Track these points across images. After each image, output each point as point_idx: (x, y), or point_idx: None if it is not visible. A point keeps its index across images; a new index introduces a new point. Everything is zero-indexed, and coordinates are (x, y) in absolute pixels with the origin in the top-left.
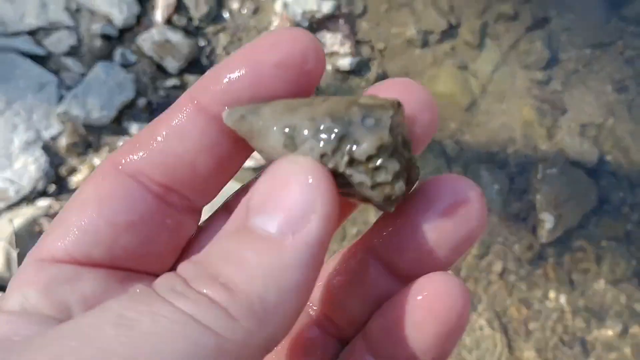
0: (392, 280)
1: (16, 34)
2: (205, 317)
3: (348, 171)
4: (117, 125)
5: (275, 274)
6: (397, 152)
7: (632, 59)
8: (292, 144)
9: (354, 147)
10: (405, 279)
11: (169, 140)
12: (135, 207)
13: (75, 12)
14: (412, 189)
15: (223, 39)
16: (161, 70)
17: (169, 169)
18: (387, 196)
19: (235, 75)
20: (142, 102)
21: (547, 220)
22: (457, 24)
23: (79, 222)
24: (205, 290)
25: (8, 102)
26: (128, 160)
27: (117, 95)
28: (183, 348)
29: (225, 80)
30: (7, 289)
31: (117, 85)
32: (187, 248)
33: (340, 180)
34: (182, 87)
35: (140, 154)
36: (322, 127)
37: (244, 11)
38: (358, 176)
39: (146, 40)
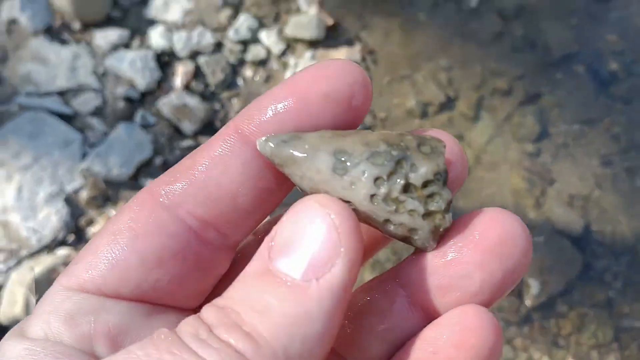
0: (420, 319)
1: (47, 94)
2: None
3: (401, 197)
4: (134, 181)
5: (299, 323)
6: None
7: (618, 135)
8: (342, 167)
9: (411, 172)
10: (434, 316)
11: (210, 170)
12: (170, 244)
13: (101, 76)
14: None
15: (236, 104)
16: (178, 132)
17: (210, 201)
18: (436, 227)
19: (281, 105)
20: (158, 160)
21: (533, 286)
22: (455, 97)
23: (109, 255)
24: (229, 339)
25: (36, 158)
26: (167, 190)
27: (136, 154)
28: None
29: (271, 110)
30: (32, 314)
31: (137, 145)
32: (221, 285)
33: (379, 218)
34: (196, 147)
35: (180, 184)
36: (378, 150)
37: (257, 78)
38: (411, 203)
39: (165, 104)
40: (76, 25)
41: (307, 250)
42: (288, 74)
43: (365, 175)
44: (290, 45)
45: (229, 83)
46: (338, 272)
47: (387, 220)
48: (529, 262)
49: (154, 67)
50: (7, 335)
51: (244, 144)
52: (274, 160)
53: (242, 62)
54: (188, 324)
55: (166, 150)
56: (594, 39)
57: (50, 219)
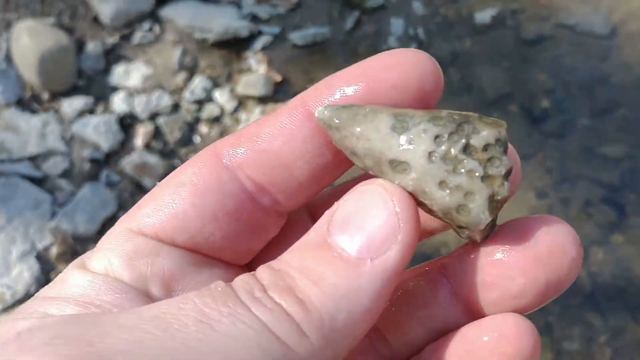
0: (461, 312)
1: (19, 160)
2: (279, 328)
3: (460, 156)
4: (100, 236)
5: (349, 297)
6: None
7: (552, 168)
8: (402, 126)
9: (472, 134)
10: (475, 314)
11: (273, 139)
12: (227, 202)
13: (69, 141)
14: (496, 228)
15: None
16: (140, 188)
17: (268, 168)
18: (494, 195)
19: (350, 89)
20: (122, 215)
21: None
22: None
23: (170, 205)
24: (281, 302)
25: (9, 219)
26: (230, 152)
27: (101, 211)
28: (255, 355)
29: (339, 92)
30: (95, 249)
31: (101, 203)
32: (268, 245)
33: (435, 179)
34: None
35: (243, 148)
36: (440, 115)
37: (212, 134)
38: (470, 163)
39: (128, 163)
40: (45, 95)
41: (367, 230)
42: (240, 127)
43: (426, 132)
44: (242, 102)
45: (187, 140)
46: (393, 256)
47: (442, 183)
48: (576, 274)
49: (116, 129)
50: (70, 265)
51: (308, 120)
52: (332, 123)
53: (198, 120)
54: (244, 281)
55: (129, 206)
56: (526, 80)
57: (23, 275)
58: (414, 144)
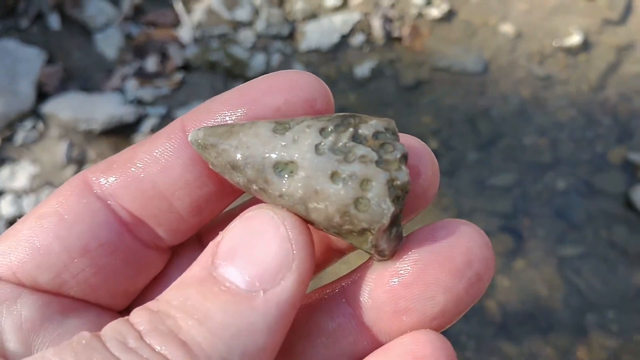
0: (369, 337)
1: None
2: None
3: (350, 143)
4: None
5: (240, 335)
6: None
7: (448, 206)
8: (283, 127)
9: (360, 123)
10: (387, 338)
11: (148, 167)
12: (98, 233)
13: None
14: (400, 243)
15: None
16: None
17: (144, 199)
18: (393, 180)
19: (231, 113)
20: None
21: None
22: None
23: (30, 239)
24: (162, 348)
25: None
26: (101, 179)
27: None
28: None
29: (219, 116)
30: None
31: None
32: (151, 284)
33: (326, 171)
34: None
35: (116, 176)
36: (322, 117)
37: None
38: (362, 149)
39: None
40: None
41: (257, 260)
42: None
43: (310, 127)
44: None
45: None
46: (288, 286)
47: (335, 175)
48: (493, 272)
49: None
50: None
51: (187, 146)
52: (207, 142)
53: None
54: (114, 329)
55: None
56: (412, 123)
57: None
58: (297, 140)
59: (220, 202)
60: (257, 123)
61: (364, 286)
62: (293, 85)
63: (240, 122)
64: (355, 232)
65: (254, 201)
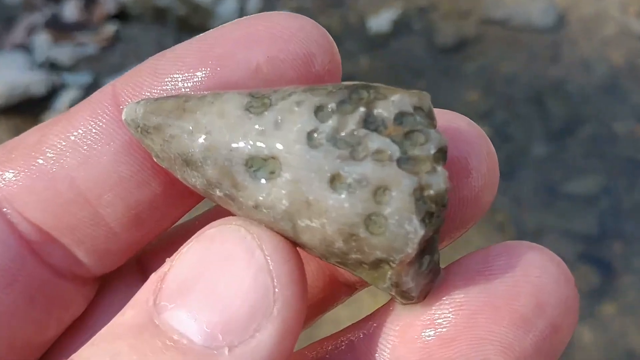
0: None
1: None
2: None
3: (360, 131)
4: None
5: None
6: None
7: (502, 223)
8: (261, 103)
9: (376, 99)
10: None
11: (64, 158)
12: None
13: None
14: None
15: None
16: None
17: (57, 205)
18: (422, 188)
19: (185, 77)
20: None
21: None
22: None
23: None
24: None
25: None
26: None
27: None
28: None
29: (170, 82)
30: None
31: None
32: (69, 331)
33: (323, 174)
34: None
35: (15, 171)
36: (322, 86)
37: None
38: (377, 140)
39: None
40: None
41: (220, 301)
42: None
43: (300, 105)
44: None
45: None
46: (265, 341)
47: (336, 179)
48: (577, 318)
49: None
50: None
51: (121, 125)
52: (149, 123)
53: None
54: None
55: None
56: (452, 102)
57: None
58: (282, 124)
59: (170, 210)
60: (222, 96)
61: (383, 342)
62: (281, 33)
63: (198, 92)
64: (367, 264)
65: (222, 212)
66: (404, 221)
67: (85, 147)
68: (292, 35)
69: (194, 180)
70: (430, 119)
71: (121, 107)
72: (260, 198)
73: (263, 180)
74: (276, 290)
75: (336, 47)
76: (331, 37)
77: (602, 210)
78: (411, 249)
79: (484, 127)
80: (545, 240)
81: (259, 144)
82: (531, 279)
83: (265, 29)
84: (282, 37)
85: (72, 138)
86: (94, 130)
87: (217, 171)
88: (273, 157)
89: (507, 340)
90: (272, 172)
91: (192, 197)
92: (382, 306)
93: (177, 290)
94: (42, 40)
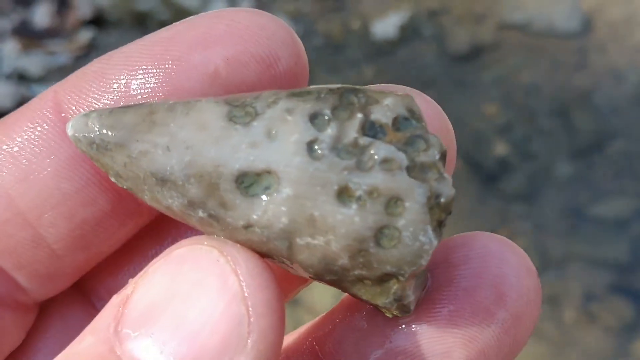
0: None
1: None
2: None
3: (363, 140)
4: None
5: None
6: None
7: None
8: (245, 112)
9: (369, 105)
10: None
11: (1, 172)
12: None
13: None
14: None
15: None
16: None
17: None
18: (434, 196)
19: (139, 81)
20: None
21: None
22: None
23: None
24: None
25: None
26: None
27: None
28: None
29: (118, 85)
30: None
31: None
32: None
33: (331, 185)
34: None
35: None
36: (304, 90)
37: None
38: (382, 148)
39: None
40: None
41: (189, 330)
42: None
43: (292, 113)
44: None
45: None
46: None
47: (344, 192)
48: (537, 318)
49: None
50: None
51: (63, 134)
52: (106, 140)
53: None
54: None
55: None
56: (466, 115)
57: None
58: (277, 135)
59: (118, 230)
60: (195, 105)
61: (352, 341)
62: (241, 32)
63: (156, 100)
64: (371, 279)
65: (188, 230)
66: (418, 232)
67: (24, 161)
68: (253, 34)
69: (170, 201)
70: (422, 121)
71: (63, 114)
72: (255, 217)
73: (259, 197)
74: (251, 320)
75: (303, 47)
76: (297, 36)
77: (634, 235)
78: (425, 261)
79: (502, 142)
80: (571, 269)
81: (251, 158)
82: (491, 269)
83: (225, 28)
84: (242, 37)
85: (9, 151)
86: (33, 142)
87: (201, 190)
88: (269, 172)
89: (469, 331)
90: (267, 188)
91: (142, 216)
92: (334, 307)
93: (141, 317)
94: (9, 49)
